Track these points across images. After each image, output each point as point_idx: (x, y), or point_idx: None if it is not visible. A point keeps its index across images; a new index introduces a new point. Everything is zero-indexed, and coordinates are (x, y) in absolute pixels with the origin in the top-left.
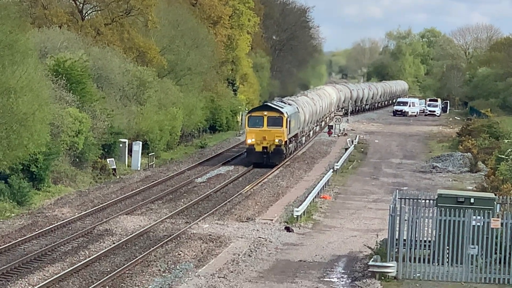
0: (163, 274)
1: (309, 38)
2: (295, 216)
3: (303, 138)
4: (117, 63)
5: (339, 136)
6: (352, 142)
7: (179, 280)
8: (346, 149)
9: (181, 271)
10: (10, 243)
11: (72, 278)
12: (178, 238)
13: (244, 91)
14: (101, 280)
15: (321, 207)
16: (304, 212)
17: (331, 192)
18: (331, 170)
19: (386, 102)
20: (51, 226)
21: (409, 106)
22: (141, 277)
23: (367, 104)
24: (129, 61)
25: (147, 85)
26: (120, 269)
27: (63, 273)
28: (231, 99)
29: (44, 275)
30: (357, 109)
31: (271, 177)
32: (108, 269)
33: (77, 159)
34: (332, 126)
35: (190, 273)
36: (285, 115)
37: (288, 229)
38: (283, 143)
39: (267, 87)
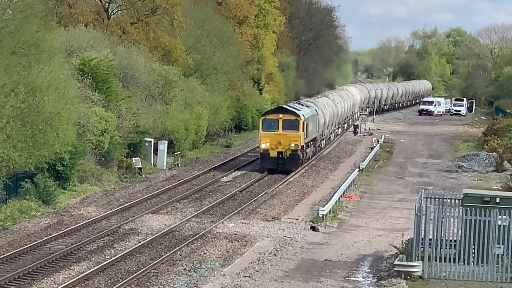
0: (189, 273)
1: (334, 38)
2: (321, 216)
3: (323, 142)
4: (142, 62)
5: (364, 135)
6: (378, 141)
7: (204, 279)
8: (372, 149)
9: (206, 270)
10: (36, 242)
11: (97, 277)
12: (204, 237)
13: (270, 90)
14: (127, 279)
15: (346, 207)
16: (329, 211)
17: (356, 192)
18: (357, 169)
19: (408, 102)
20: (76, 225)
21: (435, 105)
22: (167, 276)
23: (386, 104)
24: (155, 60)
25: (173, 84)
26: (145, 268)
27: (88, 272)
28: (257, 98)
29: (70, 274)
30: (375, 109)
31: (297, 176)
32: (134, 268)
33: (102, 158)
34: (357, 125)
35: (215, 272)
36: (302, 118)
37: (313, 228)
38: (300, 148)
39: (293, 87)
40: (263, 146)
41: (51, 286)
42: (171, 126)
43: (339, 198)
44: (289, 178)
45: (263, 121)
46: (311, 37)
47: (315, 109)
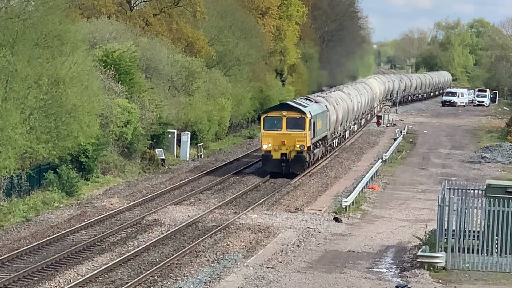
0: (212, 264)
1: (357, 29)
2: (344, 207)
3: (335, 141)
4: (165, 54)
5: (387, 126)
6: (401, 132)
7: (227, 270)
8: (395, 140)
9: (229, 261)
10: (59, 234)
11: (121, 268)
12: (227, 229)
13: (293, 81)
14: (150, 270)
15: (369, 198)
16: (352, 202)
17: (379, 183)
18: (380, 160)
19: (425, 94)
20: (100, 217)
21: (458, 96)
22: (190, 267)
23: (397, 97)
24: (178, 51)
25: (196, 76)
26: (169, 259)
27: (112, 263)
28: (280, 90)
29: (93, 265)
30: (398, 101)
31: (320, 167)
32: (157, 259)
33: (125, 150)
34: (380, 116)
35: (238, 263)
36: (308, 115)
37: (336, 219)
38: (306, 148)
39: (316, 78)
40: (264, 147)
41: (74, 277)
42: (194, 118)
43: (362, 189)
44: (312, 170)
45: (264, 119)
46: (334, 28)
47: (325, 105)
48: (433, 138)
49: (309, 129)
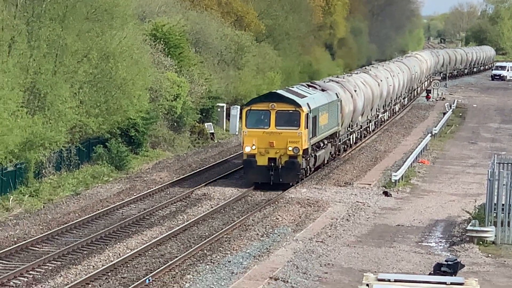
0: (261, 238)
1: (407, 2)
2: (393, 181)
3: (352, 136)
4: (215, 28)
5: (437, 100)
6: (450, 106)
7: (277, 244)
8: (444, 114)
9: (279, 235)
10: (108, 207)
11: (170, 242)
12: (276, 203)
13: (342, 55)
14: (199, 244)
15: (419, 172)
16: (402, 176)
17: (429, 157)
18: (429, 134)
19: (456, 71)
20: (149, 191)
21: (508, 70)
22: (239, 241)
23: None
24: (227, 25)
25: (245, 50)
26: (218, 233)
27: (161, 237)
28: (328, 64)
29: (142, 239)
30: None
31: (369, 141)
32: (206, 233)
33: (175, 124)
34: (430, 90)
35: (288, 237)
36: (305, 108)
37: (386, 193)
38: (301, 152)
39: (365, 52)
40: (247, 149)
41: (124, 251)
42: (243, 91)
43: (411, 163)
44: (361, 144)
45: (247, 114)
46: (383, 2)
47: (336, 93)
48: (483, 112)
49: (306, 126)
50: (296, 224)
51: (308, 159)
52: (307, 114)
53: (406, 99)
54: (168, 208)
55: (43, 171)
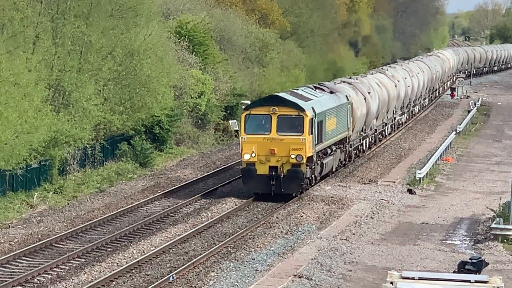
0: (285, 236)
1: (431, 0)
2: (418, 178)
3: (366, 141)
4: (239, 25)
5: (461, 98)
6: (475, 104)
7: (301, 242)
8: (469, 111)
9: (303, 233)
10: (132, 205)
11: (194, 240)
12: (301, 200)
13: (366, 53)
14: (223, 242)
15: (443, 170)
16: (426, 174)
17: (453, 155)
18: (454, 132)
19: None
20: (173, 188)
21: None
22: (263, 239)
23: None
24: (252, 23)
25: (270, 47)
26: (242, 230)
27: (185, 234)
28: (353, 61)
29: (167, 236)
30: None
31: (393, 139)
32: (230, 231)
33: (199, 121)
34: (454, 88)
35: (312, 235)
36: (309, 112)
37: (410, 191)
38: (305, 160)
39: (389, 49)
40: (246, 157)
41: (148, 248)
42: (267, 89)
43: (436, 161)
44: (385, 142)
45: (246, 118)
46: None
47: (347, 96)
48: (507, 110)
49: (311, 132)
50: (320, 222)
51: (313, 167)
52: (312, 118)
53: (426, 100)
54: (192, 205)
55: (68, 168)
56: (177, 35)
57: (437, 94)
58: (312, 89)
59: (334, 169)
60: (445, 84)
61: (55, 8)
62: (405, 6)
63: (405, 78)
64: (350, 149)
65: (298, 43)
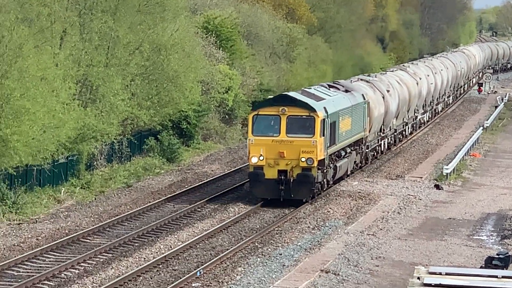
0: (312, 231)
1: None
2: (445, 174)
3: (384, 142)
4: (266, 20)
5: (489, 93)
6: (502, 99)
7: (328, 237)
8: (496, 107)
9: (330, 228)
10: (159, 200)
11: (221, 235)
12: (328, 195)
13: (394, 48)
14: (251, 237)
15: (470, 165)
16: (453, 169)
17: (480, 150)
18: (481, 127)
19: (501, 66)
20: (200, 183)
21: None
22: (290, 234)
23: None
24: (279, 18)
25: (297, 42)
26: (269, 225)
27: (212, 229)
28: (380, 57)
29: (194, 231)
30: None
31: (420, 134)
32: (257, 226)
33: (226, 116)
34: (482, 84)
35: (339, 230)
36: (321, 113)
37: (437, 186)
38: (315, 163)
39: (417, 45)
40: (253, 160)
41: (175, 243)
42: (295, 84)
43: (463, 157)
44: (412, 137)
45: (254, 119)
46: None
47: (363, 94)
48: None
49: (322, 134)
50: (347, 217)
51: (325, 171)
52: (324, 119)
53: (451, 97)
54: (219, 200)
55: (95, 163)
56: (204, 30)
57: (462, 91)
58: (326, 87)
59: (349, 172)
60: (471, 81)
61: (82, 3)
62: (432, 1)
63: (428, 76)
64: (366, 150)
65: (325, 39)
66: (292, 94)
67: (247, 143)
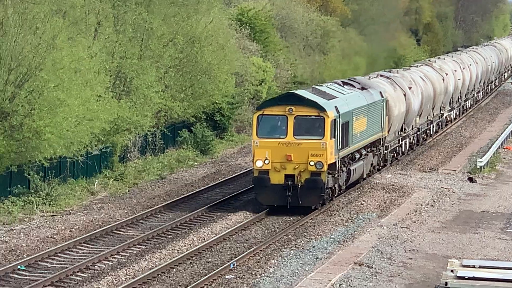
0: (346, 224)
1: None
2: (478, 167)
3: (405, 142)
4: (300, 13)
5: None
6: None
7: (361, 229)
8: None
9: (363, 220)
10: (193, 192)
11: (254, 227)
12: (361, 188)
13: (428, 41)
14: (284, 229)
15: (504, 158)
16: (487, 162)
17: None
18: None
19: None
20: (234, 175)
21: None
22: (324, 227)
23: None
24: (313, 10)
25: (331, 35)
26: (302, 218)
27: (245, 221)
28: (414, 49)
29: (227, 223)
30: None
31: (454, 127)
32: (291, 218)
33: None
34: None
35: (372, 223)
36: (331, 113)
37: (471, 179)
38: (325, 167)
39: (450, 37)
40: (258, 164)
41: (208, 235)
42: (328, 77)
43: (497, 150)
44: (446, 129)
45: (259, 120)
46: None
47: (381, 92)
48: None
49: (333, 135)
50: (380, 210)
51: (336, 175)
52: (334, 119)
53: (480, 93)
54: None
55: (128, 155)
56: (238, 23)
57: (493, 86)
58: (340, 84)
59: (365, 176)
60: (503, 76)
61: None
62: None
63: (455, 71)
64: (385, 152)
65: (359, 31)
66: (300, 92)
67: (251, 145)
